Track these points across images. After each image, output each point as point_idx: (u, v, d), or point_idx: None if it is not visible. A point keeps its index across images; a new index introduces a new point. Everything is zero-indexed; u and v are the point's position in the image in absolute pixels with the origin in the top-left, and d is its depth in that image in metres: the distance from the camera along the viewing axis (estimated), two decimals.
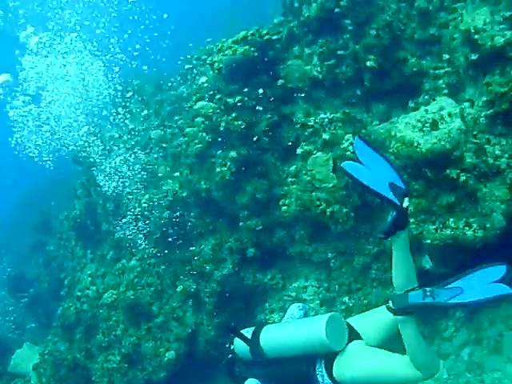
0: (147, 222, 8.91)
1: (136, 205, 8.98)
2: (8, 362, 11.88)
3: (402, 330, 3.83)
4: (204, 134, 8.28)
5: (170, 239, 8.81)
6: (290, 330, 4.55)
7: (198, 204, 8.76)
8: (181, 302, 8.72)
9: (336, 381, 4.22)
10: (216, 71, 8.25)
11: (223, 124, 8.02)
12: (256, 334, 4.63)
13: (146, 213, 8.86)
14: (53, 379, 9.77)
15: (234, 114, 7.94)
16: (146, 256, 9.09)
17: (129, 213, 9.11)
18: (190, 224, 8.76)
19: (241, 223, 8.26)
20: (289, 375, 4.56)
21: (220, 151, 8.16)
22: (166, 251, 8.85)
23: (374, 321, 4.48)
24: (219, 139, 8.17)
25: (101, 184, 9.50)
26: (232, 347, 4.84)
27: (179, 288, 8.61)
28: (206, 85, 8.75)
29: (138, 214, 9.00)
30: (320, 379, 4.28)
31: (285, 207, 7.74)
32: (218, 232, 8.66)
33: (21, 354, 11.84)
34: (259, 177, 8.10)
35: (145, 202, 8.88)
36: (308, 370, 4.35)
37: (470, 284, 3.75)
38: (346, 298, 7.45)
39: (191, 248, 8.70)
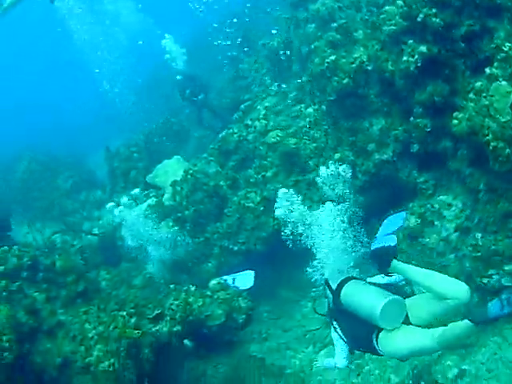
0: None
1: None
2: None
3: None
4: (400, 19, 7.71)
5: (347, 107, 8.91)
6: (363, 293, 5.20)
7: (380, 82, 8.50)
8: None
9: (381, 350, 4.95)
10: None
11: (421, 16, 7.34)
12: (340, 286, 5.43)
13: (328, 74, 8.87)
14: (186, 200, 10.68)
15: (434, 10, 7.19)
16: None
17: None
18: (367, 98, 8.70)
19: (412, 118, 8.04)
20: (354, 331, 5.37)
21: (411, 41, 7.63)
22: (339, 115, 9.04)
23: (430, 310, 4.91)
24: (414, 29, 7.57)
25: None
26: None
27: (337, 155, 8.83)
28: None
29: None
30: (376, 346, 5.04)
31: (456, 121, 7.30)
32: (390, 116, 8.48)
33: (166, 166, 12.49)
34: (443, 80, 7.56)
35: (328, 63, 8.82)
36: (368, 334, 5.08)
37: None
38: (479, 235, 7.27)
39: (362, 121, 8.78)
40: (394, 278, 5.49)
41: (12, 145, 20.83)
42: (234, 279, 9.34)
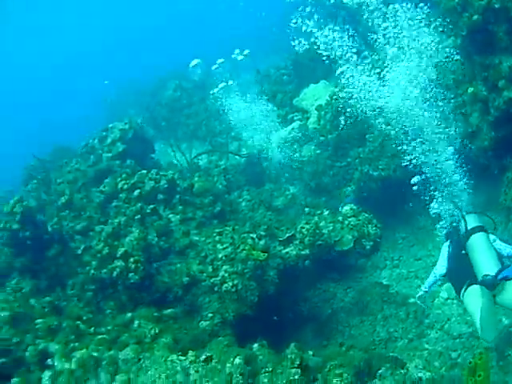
0: None
1: None
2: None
3: None
4: None
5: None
6: (484, 255, 5.83)
7: (507, 21, 7.78)
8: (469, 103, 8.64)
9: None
10: None
11: None
12: (471, 232, 6.10)
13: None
14: (330, 124, 10.67)
15: None
16: None
17: None
18: (496, 35, 7.99)
19: None
20: (458, 266, 5.99)
21: None
22: (471, 50, 8.46)
23: None
24: None
25: None
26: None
27: (470, 89, 8.53)
28: None
29: None
30: (462, 292, 5.81)
31: None
32: None
33: (312, 90, 12.39)
34: None
35: None
36: (465, 278, 5.78)
37: None
38: None
39: (493, 58, 8.15)
40: None
41: (157, 70, 21.55)
42: None
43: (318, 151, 11.20)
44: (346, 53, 9.64)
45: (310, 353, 5.68)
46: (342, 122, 10.68)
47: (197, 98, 16.76)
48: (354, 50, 9.44)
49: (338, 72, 9.86)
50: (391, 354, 6.53)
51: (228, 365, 5.76)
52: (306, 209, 9.84)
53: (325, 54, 9.17)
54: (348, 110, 10.25)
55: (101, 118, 19.29)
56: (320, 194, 11.18)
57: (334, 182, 10.94)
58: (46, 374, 6.64)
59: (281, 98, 13.26)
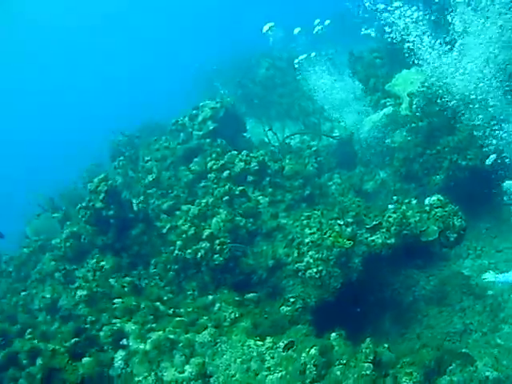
0: None
1: None
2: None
3: None
4: None
5: None
6: None
7: None
8: None
9: None
10: None
11: None
12: None
13: None
14: (421, 111, 10.77)
15: None
16: None
17: None
18: None
19: None
20: None
21: None
22: None
23: None
24: None
25: None
26: None
27: None
28: None
29: None
30: None
31: None
32: None
33: (405, 76, 12.27)
34: None
35: None
36: None
37: None
38: None
39: None
40: None
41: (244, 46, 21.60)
42: None
43: (409, 138, 11.37)
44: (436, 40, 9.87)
45: (386, 346, 6.00)
46: (433, 110, 10.88)
47: (290, 77, 16.97)
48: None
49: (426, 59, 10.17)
50: (463, 351, 6.92)
51: (303, 354, 6.10)
52: (394, 197, 10.06)
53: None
54: (439, 97, 10.57)
55: (191, 95, 19.67)
56: (409, 180, 11.36)
57: (423, 170, 11.10)
58: (120, 354, 6.98)
59: (373, 82, 13.38)
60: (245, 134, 12.53)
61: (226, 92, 16.28)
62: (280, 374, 6.16)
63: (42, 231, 11.12)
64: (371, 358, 5.74)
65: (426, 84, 11.06)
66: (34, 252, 10.53)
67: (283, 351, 6.42)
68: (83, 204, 9.04)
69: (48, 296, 9.04)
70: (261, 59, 19.16)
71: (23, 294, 9.50)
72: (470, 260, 9.60)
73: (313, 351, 6.07)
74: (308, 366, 5.96)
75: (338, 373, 5.83)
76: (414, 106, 11.20)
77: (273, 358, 6.47)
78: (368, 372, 5.65)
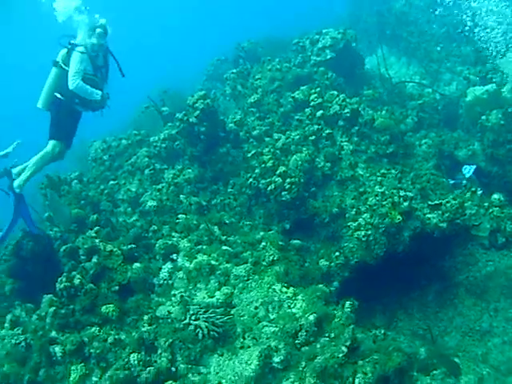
0: None
1: None
2: None
3: None
4: None
5: None
6: None
7: None
8: None
9: None
10: None
11: None
12: None
13: None
14: None
15: None
16: None
17: None
18: None
19: None
20: None
21: None
22: None
23: None
24: None
25: None
26: None
27: None
28: None
29: None
30: None
31: None
32: None
33: None
34: None
35: None
36: None
37: None
38: None
39: None
40: None
41: None
42: None
43: (503, 122, 11.14)
44: None
45: (371, 334, 6.29)
46: None
47: (424, 18, 16.32)
48: None
49: None
50: (456, 361, 6.95)
51: (304, 316, 6.40)
52: (464, 181, 10.01)
53: None
54: None
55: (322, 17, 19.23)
56: (494, 163, 10.92)
57: (507, 158, 10.66)
58: (167, 266, 7.51)
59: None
60: (362, 70, 12.55)
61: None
62: (274, 329, 6.51)
63: (144, 126, 12.00)
64: (348, 343, 5.84)
65: None
66: (131, 145, 11.28)
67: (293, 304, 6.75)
68: (179, 116, 9.72)
69: (133, 190, 10.00)
70: None
71: (111, 182, 10.41)
72: None
73: (311, 318, 6.39)
74: (300, 333, 6.32)
75: (318, 346, 6.12)
76: None
77: (290, 307, 6.82)
78: (339, 355, 5.79)
